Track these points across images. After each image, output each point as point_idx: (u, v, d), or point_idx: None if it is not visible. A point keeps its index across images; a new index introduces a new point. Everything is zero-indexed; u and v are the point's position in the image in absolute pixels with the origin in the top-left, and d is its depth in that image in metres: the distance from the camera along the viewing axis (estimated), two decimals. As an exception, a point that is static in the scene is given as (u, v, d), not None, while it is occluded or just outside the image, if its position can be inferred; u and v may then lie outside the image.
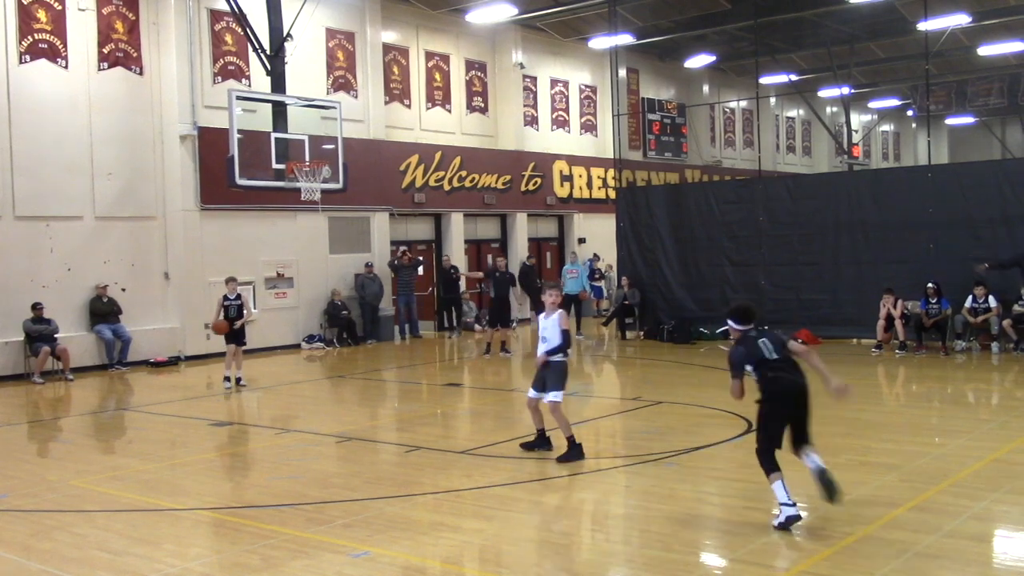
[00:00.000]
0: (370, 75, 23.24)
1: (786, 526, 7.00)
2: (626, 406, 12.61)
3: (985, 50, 31.16)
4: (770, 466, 7.18)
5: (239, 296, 15.77)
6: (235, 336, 15.54)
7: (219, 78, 20.29)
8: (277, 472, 9.60)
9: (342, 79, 22.75)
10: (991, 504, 7.71)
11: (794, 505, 7.03)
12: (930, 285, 17.31)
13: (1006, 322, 16.94)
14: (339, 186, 19.36)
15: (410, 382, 16.75)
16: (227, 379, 15.60)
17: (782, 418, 7.31)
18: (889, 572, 6.17)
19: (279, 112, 18.77)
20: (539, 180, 27.52)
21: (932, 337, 17.51)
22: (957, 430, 10.88)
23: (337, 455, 10.56)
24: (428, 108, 25.14)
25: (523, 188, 27.08)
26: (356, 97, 22.93)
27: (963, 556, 6.55)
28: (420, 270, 24.09)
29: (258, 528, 7.52)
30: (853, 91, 36.95)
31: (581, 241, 28.79)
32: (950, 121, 45.15)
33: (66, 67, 18.29)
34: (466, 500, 8.28)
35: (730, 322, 7.87)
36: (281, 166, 18.46)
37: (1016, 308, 16.88)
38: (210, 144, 19.46)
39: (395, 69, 24.25)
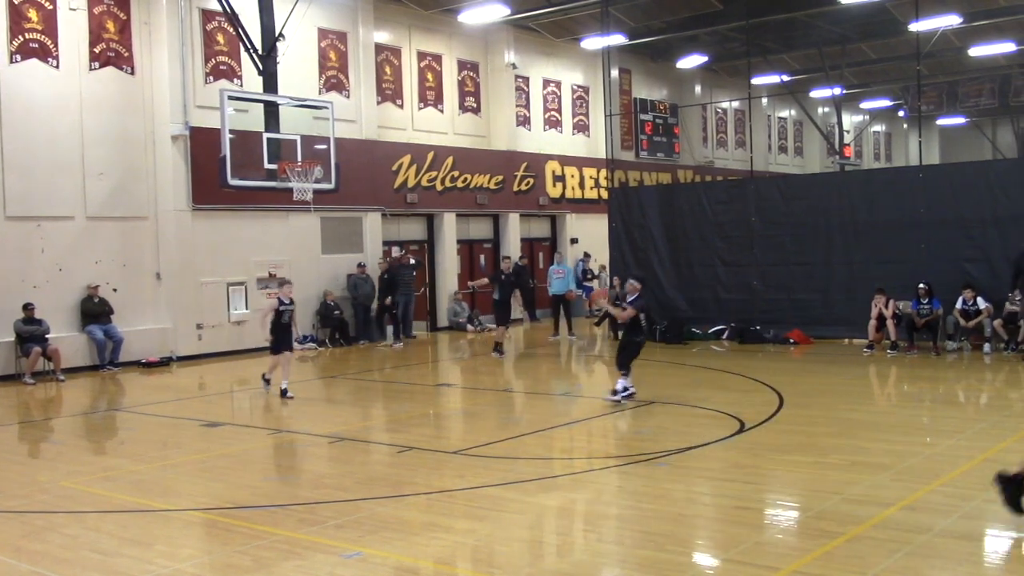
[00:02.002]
0: (362, 75, 23.22)
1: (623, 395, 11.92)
2: (618, 406, 12.62)
3: (976, 51, 31.27)
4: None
5: (292, 301, 14.48)
6: (287, 342, 14.40)
7: (211, 78, 20.25)
8: (269, 473, 9.58)
9: (334, 79, 22.72)
10: (982, 503, 7.73)
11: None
12: (921, 285, 17.36)
13: (997, 322, 17.00)
14: (331, 186, 19.34)
15: (402, 382, 16.74)
16: (267, 381, 14.63)
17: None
18: (881, 571, 6.18)
19: (271, 112, 18.75)
20: (531, 180, 27.53)
21: (923, 337, 17.56)
22: (948, 430, 10.91)
23: (329, 456, 10.54)
24: (420, 108, 25.12)
25: (516, 188, 27.09)
26: (348, 97, 22.91)
27: (954, 555, 6.58)
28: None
29: (250, 529, 7.51)
30: (845, 92, 37.04)
31: (574, 241, 28.81)
32: (941, 122, 45.29)
33: (57, 67, 18.23)
34: (458, 500, 8.28)
35: (637, 282, 12.96)
36: (273, 166, 18.44)
37: (1008, 307, 16.93)
38: (202, 144, 19.41)
39: (387, 69, 24.23)
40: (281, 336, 14.21)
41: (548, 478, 9.01)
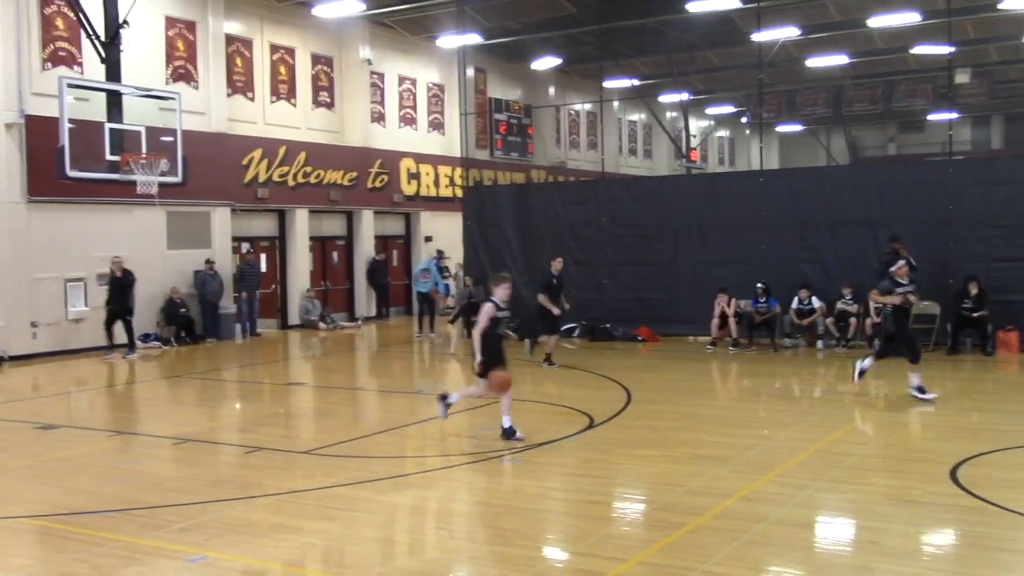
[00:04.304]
0: (212, 66, 22.57)
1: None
2: (472, 404, 12.67)
3: (812, 62, 32.83)
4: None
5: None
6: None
7: (49, 64, 19.26)
8: (108, 477, 9.21)
9: (182, 69, 22.00)
10: (814, 492, 8.15)
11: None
12: (760, 285, 18.14)
13: (829, 320, 17.92)
14: (178, 179, 18.77)
15: (252, 381, 16.37)
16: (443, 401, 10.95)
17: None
18: (721, 559, 6.44)
19: (114, 102, 18.05)
20: (386, 177, 27.36)
21: (762, 335, 18.35)
22: (785, 422, 11.44)
23: (173, 458, 10.22)
24: (273, 102, 24.60)
25: (370, 185, 26.86)
26: (197, 88, 22.22)
27: (788, 542, 6.91)
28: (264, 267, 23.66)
29: (87, 535, 7.21)
30: (692, 97, 38.28)
31: (428, 239, 28.78)
32: (781, 128, 47.41)
33: None
34: (309, 501, 8.16)
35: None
36: (116, 158, 17.77)
37: (839, 306, 17.87)
38: (39, 133, 18.45)
39: (238, 61, 23.62)
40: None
41: (400, 476, 8.99)
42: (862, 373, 12.72)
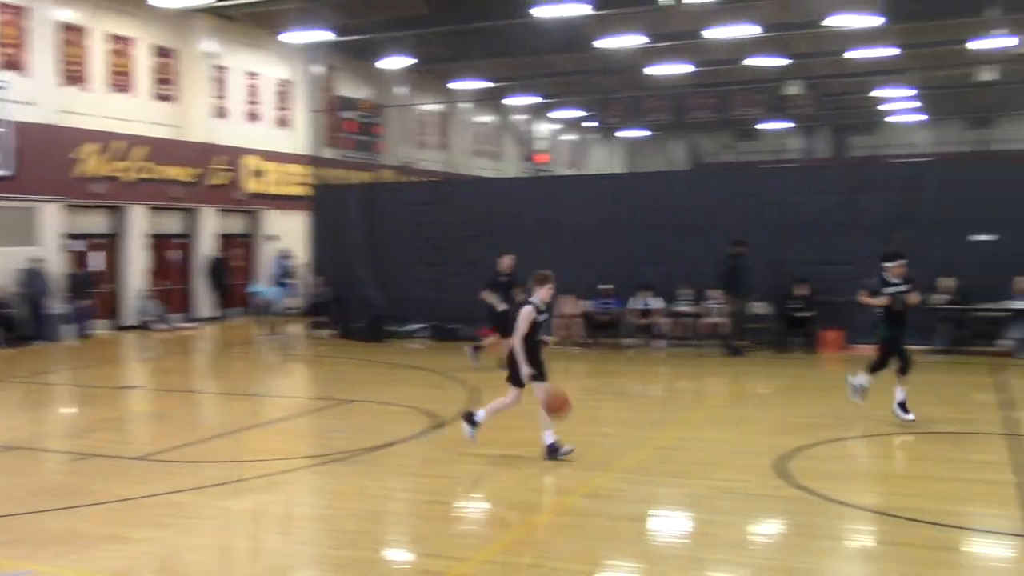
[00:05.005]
0: (43, 55, 21.43)
1: None
2: (316, 405, 12.52)
3: (655, 70, 33.78)
4: None
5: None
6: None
7: None
8: (-78, 488, 8.64)
9: (11, 57, 20.81)
10: (652, 488, 8.41)
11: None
12: (603, 286, 18.56)
13: (668, 321, 18.50)
14: (10, 172, 17.75)
15: (83, 385, 15.64)
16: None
17: None
18: (561, 555, 6.57)
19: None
20: (229, 175, 26.64)
21: (605, 335, 18.78)
22: (625, 420, 11.75)
23: (-4, 466, 9.66)
24: (109, 93, 23.58)
25: (212, 182, 26.09)
26: (26, 77, 21.06)
27: (627, 536, 7.11)
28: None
29: None
30: (540, 101, 38.79)
31: (274, 239, 28.16)
32: (625, 134, 48.64)
33: None
34: (142, 509, 7.85)
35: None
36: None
37: (678, 307, 18.47)
38: None
39: (73, 50, 22.51)
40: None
41: (240, 481, 8.76)
42: (860, 390, 11.17)
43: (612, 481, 8.57)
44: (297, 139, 29.60)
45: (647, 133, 48.02)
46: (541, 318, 9.33)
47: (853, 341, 17.43)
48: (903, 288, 10.79)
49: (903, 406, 10.67)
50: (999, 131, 46.03)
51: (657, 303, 18.50)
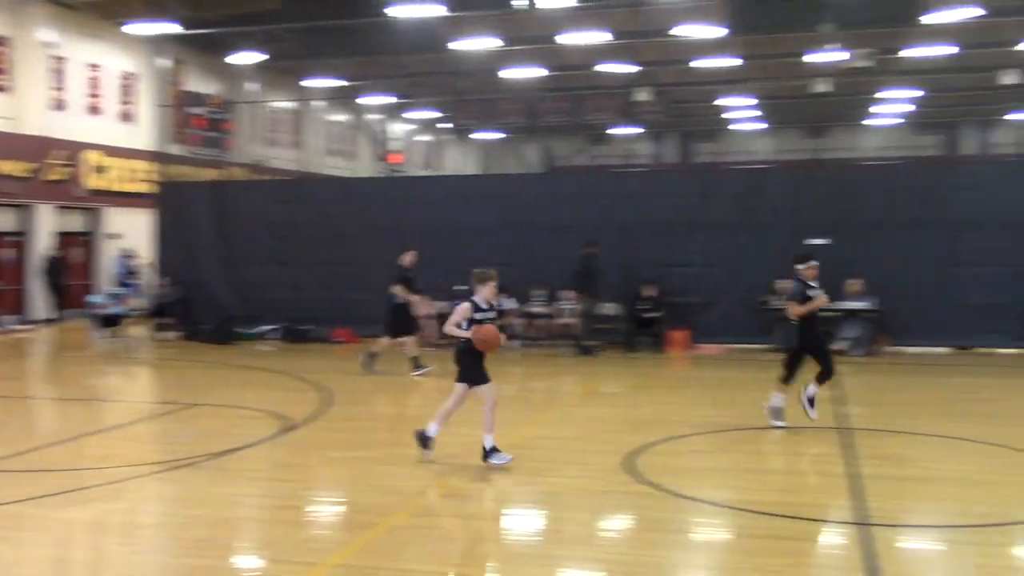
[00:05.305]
0: None
1: None
2: (160, 410, 12.12)
3: (510, 73, 34.14)
4: None
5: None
6: None
7: None
8: None
9: None
10: (507, 486, 8.51)
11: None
12: (457, 287, 18.62)
13: (520, 320, 18.76)
14: None
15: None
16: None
17: None
18: (414, 556, 6.58)
19: None
20: (69, 170, 25.46)
21: (461, 335, 18.84)
22: (478, 420, 11.79)
23: None
24: (-67, 81, 22.21)
25: (49, 177, 24.87)
26: None
27: (479, 535, 7.20)
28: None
29: None
30: (395, 101, 38.59)
31: (116, 237, 27.05)
32: (480, 135, 48.93)
33: None
34: (-29, 521, 7.45)
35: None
36: None
37: (531, 308, 18.75)
38: None
39: None
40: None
41: (79, 490, 8.39)
42: (811, 401, 10.69)
43: (466, 481, 8.64)
44: (142, 134, 28.55)
45: (502, 135, 48.42)
46: (478, 316, 9.25)
47: (699, 341, 18.13)
48: (819, 291, 10.60)
49: (811, 401, 10.59)
50: (832, 140, 48.66)
51: (511, 304, 18.71)
